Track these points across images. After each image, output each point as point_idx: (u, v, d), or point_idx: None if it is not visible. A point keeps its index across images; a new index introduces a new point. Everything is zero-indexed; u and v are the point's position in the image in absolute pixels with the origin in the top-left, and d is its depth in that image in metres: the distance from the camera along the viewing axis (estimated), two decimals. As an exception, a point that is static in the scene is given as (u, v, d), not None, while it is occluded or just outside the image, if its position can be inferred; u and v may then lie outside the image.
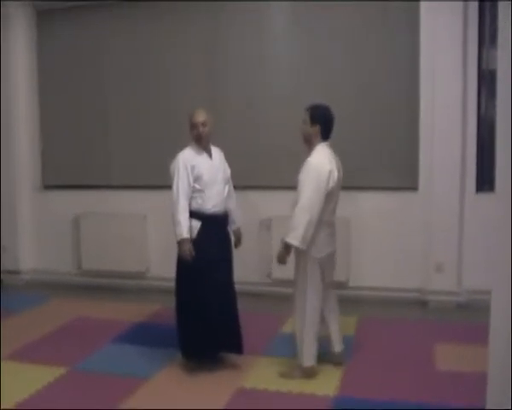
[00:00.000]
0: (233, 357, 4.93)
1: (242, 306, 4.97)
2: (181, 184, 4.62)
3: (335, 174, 4.47)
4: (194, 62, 7.13)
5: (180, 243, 4.61)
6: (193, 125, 4.72)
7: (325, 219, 4.48)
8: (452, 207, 6.35)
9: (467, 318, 6.06)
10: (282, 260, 4.51)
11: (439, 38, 6.25)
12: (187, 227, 4.61)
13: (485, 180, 6.44)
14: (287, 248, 4.44)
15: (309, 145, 4.57)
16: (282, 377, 4.63)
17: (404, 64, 6.51)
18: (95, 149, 7.63)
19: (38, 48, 7.77)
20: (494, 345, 2.53)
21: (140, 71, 7.36)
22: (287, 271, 6.56)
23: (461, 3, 6.15)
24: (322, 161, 4.44)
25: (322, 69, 6.73)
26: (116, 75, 7.47)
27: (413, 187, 6.54)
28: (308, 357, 4.61)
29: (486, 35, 6.33)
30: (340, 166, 4.61)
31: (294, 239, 4.35)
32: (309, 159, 4.49)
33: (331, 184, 4.42)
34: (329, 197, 4.44)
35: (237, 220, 5.04)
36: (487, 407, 2.69)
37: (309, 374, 4.62)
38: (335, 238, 4.75)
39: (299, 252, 4.48)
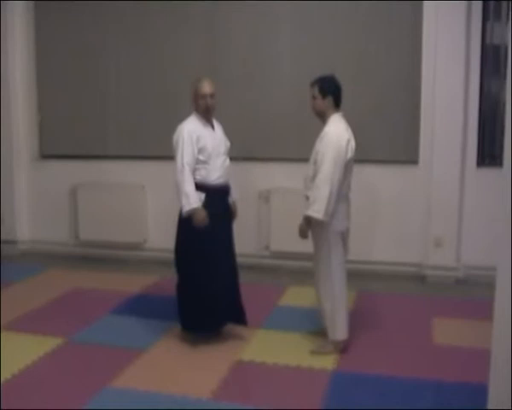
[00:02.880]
0: (231, 329, 4.92)
1: (241, 278, 4.95)
2: (186, 154, 4.52)
3: (353, 143, 4.43)
4: (194, 31, 7.03)
5: (192, 213, 4.50)
6: (200, 96, 4.61)
7: (343, 193, 4.43)
8: (452, 182, 6.33)
9: (465, 293, 6.07)
10: (303, 234, 4.46)
11: (442, 11, 6.17)
12: (195, 196, 4.51)
13: (485, 155, 6.41)
14: (308, 221, 4.39)
15: (323, 118, 4.50)
16: (314, 355, 4.55)
17: (407, 38, 6.42)
18: (93, 118, 7.55)
19: (36, 20, 7.64)
20: (499, 321, 2.50)
21: (139, 41, 7.26)
22: (285, 243, 6.65)
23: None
24: (340, 131, 4.39)
25: (323, 42, 6.65)
26: (114, 45, 7.36)
27: (413, 161, 6.51)
28: (342, 331, 4.57)
29: (491, 9, 6.25)
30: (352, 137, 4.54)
31: (317, 212, 4.28)
32: (326, 129, 4.42)
33: (350, 153, 4.37)
34: (347, 168, 4.39)
35: (233, 194, 4.95)
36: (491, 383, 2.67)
37: (342, 348, 4.59)
38: (350, 213, 4.69)
39: (320, 226, 4.38)
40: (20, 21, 7.63)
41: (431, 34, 6.27)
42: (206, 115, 4.68)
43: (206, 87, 4.63)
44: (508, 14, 6.04)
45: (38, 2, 7.58)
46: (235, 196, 4.95)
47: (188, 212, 4.51)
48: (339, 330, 4.56)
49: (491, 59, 6.30)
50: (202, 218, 4.50)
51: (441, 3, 6.14)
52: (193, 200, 4.49)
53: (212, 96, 4.63)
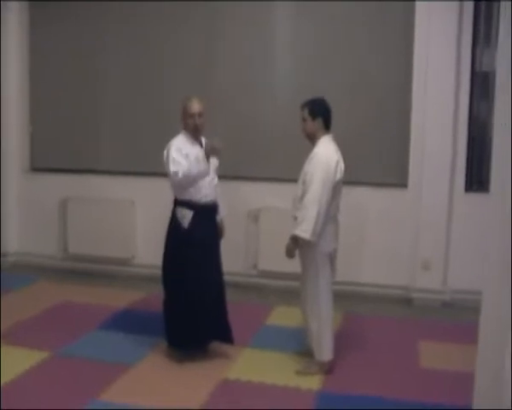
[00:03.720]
0: (217, 347, 4.92)
1: (228, 297, 4.95)
2: (178, 163, 4.51)
3: (342, 165, 4.48)
4: (187, 50, 7.06)
5: (205, 151, 4.55)
6: (189, 115, 4.64)
7: (331, 214, 4.47)
8: (441, 206, 6.37)
9: (451, 316, 6.09)
10: (290, 253, 4.47)
11: (433, 37, 6.24)
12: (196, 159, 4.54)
13: (474, 180, 6.47)
14: (295, 241, 4.41)
15: (313, 140, 4.55)
16: (300, 375, 4.56)
17: (398, 62, 6.50)
18: (84, 133, 7.56)
19: (30, 30, 7.66)
20: (483, 345, 2.53)
21: (132, 57, 7.30)
22: (272, 263, 6.65)
23: (456, 4, 6.15)
24: (329, 152, 4.44)
25: (313, 67, 6.70)
26: (107, 60, 7.40)
27: (402, 184, 6.55)
28: (327, 351, 4.59)
29: (481, 36, 6.33)
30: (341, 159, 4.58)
31: (305, 232, 4.31)
32: (315, 150, 4.47)
33: (338, 175, 4.42)
34: (336, 190, 4.43)
35: (221, 212, 4.97)
36: (474, 407, 2.70)
37: (327, 369, 4.60)
38: (339, 234, 4.72)
39: (308, 246, 4.41)
40: (14, 32, 7.64)
41: (421, 59, 6.32)
42: (195, 134, 4.71)
43: (195, 106, 4.65)
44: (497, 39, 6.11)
45: (33, 12, 7.61)
46: (222, 215, 4.97)
47: (205, 158, 4.53)
48: (325, 350, 4.57)
49: (480, 85, 6.37)
50: (217, 145, 4.55)
51: (432, 30, 6.21)
52: (198, 164, 4.52)
53: (200, 115, 4.66)
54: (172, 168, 4.52)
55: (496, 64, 2.57)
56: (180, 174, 4.48)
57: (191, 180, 4.55)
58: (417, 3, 6.31)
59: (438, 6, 6.16)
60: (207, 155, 4.55)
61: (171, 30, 7.07)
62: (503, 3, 2.52)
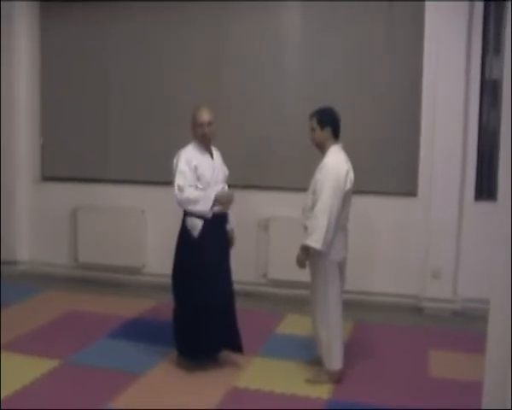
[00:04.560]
0: (227, 356, 4.92)
1: (238, 305, 4.95)
2: (186, 179, 4.57)
3: (352, 175, 4.48)
4: (196, 58, 7.12)
5: (218, 200, 4.64)
6: (198, 125, 4.66)
7: (341, 223, 4.46)
8: (451, 215, 6.36)
9: (462, 326, 6.07)
10: (301, 264, 4.47)
11: (442, 46, 6.25)
12: (204, 193, 4.63)
13: (484, 189, 6.46)
14: (306, 251, 4.41)
15: (322, 149, 4.56)
16: (309, 384, 4.55)
17: (407, 72, 6.51)
18: (95, 142, 7.61)
19: (41, 41, 7.75)
20: (492, 353, 2.52)
21: (141, 65, 7.35)
22: (282, 271, 6.66)
23: (466, 13, 6.16)
24: (339, 162, 4.44)
25: (323, 74, 6.73)
26: (117, 69, 7.46)
27: (412, 193, 6.55)
28: (337, 360, 4.58)
29: (490, 45, 6.34)
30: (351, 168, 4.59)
31: (316, 242, 4.30)
32: (325, 160, 4.47)
33: (348, 184, 4.42)
34: (346, 199, 4.43)
35: (231, 221, 4.97)
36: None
37: (337, 378, 4.60)
38: (348, 243, 4.72)
39: (318, 255, 4.41)
40: (25, 43, 7.73)
41: (431, 69, 6.34)
42: (205, 143, 4.73)
43: (204, 115, 4.68)
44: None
45: (43, 23, 7.69)
46: (232, 224, 4.97)
47: (214, 204, 4.62)
48: (334, 359, 4.56)
49: (489, 94, 6.37)
50: (227, 194, 4.75)
51: (441, 39, 6.22)
52: (208, 195, 4.61)
53: (209, 124, 4.68)
54: (178, 181, 4.59)
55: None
56: (184, 195, 4.57)
57: (188, 206, 4.62)
58: (427, 12, 6.32)
59: (447, 10, 6.17)
60: (216, 200, 4.65)
61: (182, 36, 7.12)
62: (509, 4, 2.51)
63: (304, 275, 4.71)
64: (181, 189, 4.56)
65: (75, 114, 7.65)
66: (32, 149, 7.88)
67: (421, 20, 6.36)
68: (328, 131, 4.52)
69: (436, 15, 6.25)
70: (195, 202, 4.58)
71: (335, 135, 4.55)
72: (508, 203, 2.37)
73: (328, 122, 4.52)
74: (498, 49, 6.31)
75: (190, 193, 4.57)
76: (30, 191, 7.91)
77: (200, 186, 4.63)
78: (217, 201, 4.63)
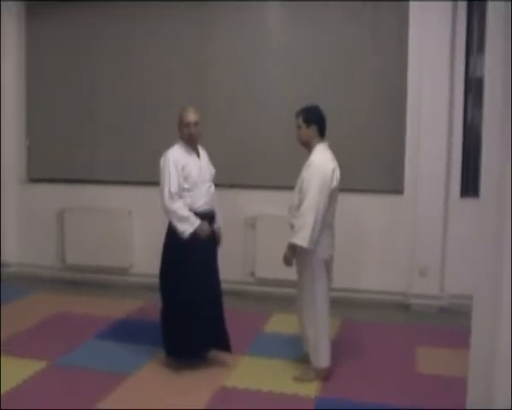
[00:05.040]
0: (215, 355, 4.93)
1: (225, 304, 4.96)
2: (172, 183, 4.58)
3: (338, 173, 4.50)
4: (182, 59, 7.13)
5: (197, 229, 4.60)
6: (184, 125, 4.68)
7: (327, 221, 4.48)
8: (437, 212, 6.40)
9: (449, 322, 6.11)
10: (288, 262, 4.48)
11: (427, 45, 6.30)
12: (193, 215, 4.61)
13: (469, 186, 6.49)
14: (293, 249, 4.42)
15: (308, 147, 4.58)
16: (297, 381, 4.57)
17: (392, 70, 6.55)
18: (81, 143, 7.59)
19: (26, 42, 7.73)
20: (475, 349, 2.54)
21: (128, 66, 7.35)
22: (270, 270, 6.67)
23: (449, 11, 6.20)
24: (325, 160, 4.46)
25: (308, 72, 6.75)
26: (103, 70, 7.45)
27: (399, 191, 6.58)
28: (324, 358, 4.60)
29: (474, 43, 6.38)
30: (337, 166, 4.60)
31: (302, 240, 4.32)
32: (312, 158, 4.49)
33: (335, 182, 4.44)
34: (332, 197, 4.45)
35: (218, 220, 4.98)
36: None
37: (325, 375, 4.61)
38: (335, 241, 4.74)
39: (305, 253, 4.42)
40: (11, 44, 7.70)
41: (416, 67, 6.37)
42: (191, 143, 4.75)
43: (190, 115, 4.70)
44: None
45: (30, 23, 7.66)
46: (219, 223, 4.98)
47: (194, 231, 4.60)
48: (321, 357, 4.58)
49: (474, 92, 6.41)
50: (207, 228, 4.68)
51: (426, 38, 6.26)
52: (193, 219, 4.60)
53: (195, 124, 4.69)
54: (170, 187, 4.60)
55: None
56: (173, 207, 4.59)
57: (172, 218, 4.64)
58: (411, 11, 6.36)
59: (431, 10, 6.21)
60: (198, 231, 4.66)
61: (169, 38, 7.14)
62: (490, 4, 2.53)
63: (291, 273, 4.72)
64: (171, 196, 4.58)
65: (61, 115, 7.63)
66: (18, 151, 7.85)
67: (406, 20, 6.40)
68: (314, 130, 4.54)
69: (420, 15, 6.29)
70: (181, 219, 4.59)
71: (321, 133, 4.57)
72: (490, 200, 2.40)
73: (314, 120, 4.54)
74: (482, 48, 6.34)
75: (180, 209, 4.59)
76: (16, 193, 7.87)
77: (187, 186, 4.63)
78: (196, 232, 4.63)
